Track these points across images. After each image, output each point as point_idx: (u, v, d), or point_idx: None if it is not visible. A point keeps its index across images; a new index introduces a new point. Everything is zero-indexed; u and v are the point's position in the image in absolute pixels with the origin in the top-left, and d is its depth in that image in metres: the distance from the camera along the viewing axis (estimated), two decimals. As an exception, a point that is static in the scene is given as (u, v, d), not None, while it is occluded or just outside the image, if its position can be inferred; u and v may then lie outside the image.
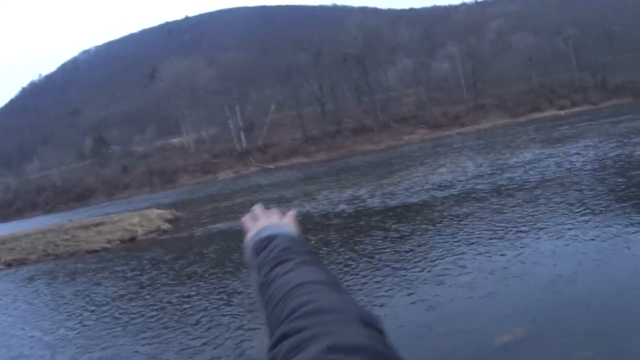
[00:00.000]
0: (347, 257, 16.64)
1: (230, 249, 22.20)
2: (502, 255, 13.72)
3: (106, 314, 15.54)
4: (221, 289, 15.73)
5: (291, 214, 1.84)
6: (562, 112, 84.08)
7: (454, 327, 9.68)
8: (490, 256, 13.78)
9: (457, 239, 15.98)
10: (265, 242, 1.54)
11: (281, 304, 1.20)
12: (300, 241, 1.55)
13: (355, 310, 1.08)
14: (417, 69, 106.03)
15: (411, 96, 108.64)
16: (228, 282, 16.51)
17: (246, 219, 1.82)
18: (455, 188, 26.59)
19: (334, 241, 19.66)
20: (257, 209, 1.86)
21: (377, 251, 16.61)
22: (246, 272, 12.53)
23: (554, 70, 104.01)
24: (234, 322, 12.43)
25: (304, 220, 25.39)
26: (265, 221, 1.72)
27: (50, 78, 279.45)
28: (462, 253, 14.38)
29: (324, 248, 18.44)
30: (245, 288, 14.99)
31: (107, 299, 17.42)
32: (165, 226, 34.20)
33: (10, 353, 13.48)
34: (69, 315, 16.46)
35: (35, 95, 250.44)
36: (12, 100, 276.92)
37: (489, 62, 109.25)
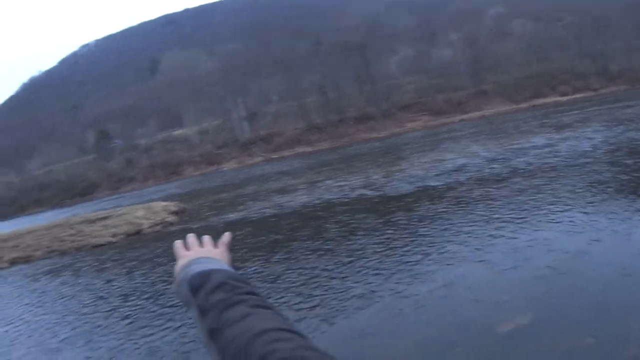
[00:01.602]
0: (368, 239, 16.54)
1: (236, 240, 21.42)
2: (512, 238, 13.57)
3: (114, 307, 15.41)
4: None
5: (224, 241, 1.87)
6: (564, 98, 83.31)
7: (457, 315, 9.59)
8: (501, 240, 13.64)
9: (470, 222, 15.92)
10: (202, 279, 1.51)
11: (242, 353, 1.19)
12: (240, 278, 1.53)
13: (319, 356, 1.09)
14: (417, 57, 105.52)
15: (413, 84, 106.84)
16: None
17: (179, 246, 1.81)
18: (469, 172, 26.43)
19: (358, 225, 19.43)
20: (191, 237, 1.87)
21: (394, 235, 16.53)
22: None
23: (554, 57, 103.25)
24: None
25: (319, 207, 25.80)
26: (196, 252, 1.72)
27: (50, 73, 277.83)
28: (474, 237, 14.31)
29: (356, 233, 18.04)
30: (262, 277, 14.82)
31: (114, 293, 17.40)
32: (171, 218, 33.85)
33: (19, 351, 13.23)
34: (76, 310, 16.32)
35: (36, 91, 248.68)
36: (12, 97, 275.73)
37: (489, 48, 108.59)
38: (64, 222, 41.53)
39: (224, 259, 1.70)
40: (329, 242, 17.54)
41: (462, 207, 18.46)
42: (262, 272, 15.57)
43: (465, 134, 52.02)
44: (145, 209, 38.18)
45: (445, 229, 15.72)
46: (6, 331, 15.29)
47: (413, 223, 17.58)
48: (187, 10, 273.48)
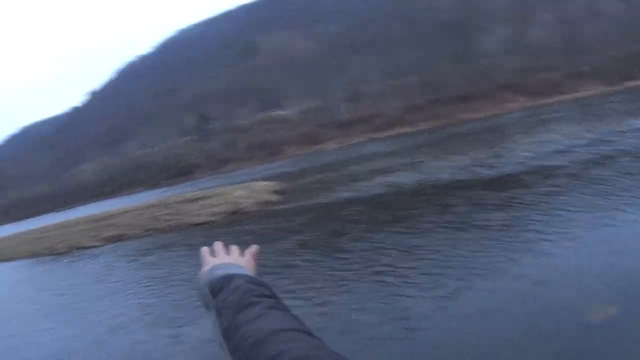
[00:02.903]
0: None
1: (338, 220, 21.67)
2: (624, 221, 12.90)
3: None
4: (339, 259, 15.06)
5: (251, 251, 1.83)
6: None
7: (547, 303, 9.14)
8: (615, 222, 12.95)
9: (585, 202, 15.40)
10: (223, 283, 1.54)
11: (254, 351, 1.21)
12: (260, 282, 1.55)
13: (330, 356, 1.11)
14: (512, 36, 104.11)
15: (508, 63, 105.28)
16: (343, 252, 15.69)
17: (205, 252, 1.78)
18: (576, 153, 25.31)
19: (477, 202, 18.98)
20: (217, 245, 1.83)
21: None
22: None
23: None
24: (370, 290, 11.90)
25: (433, 185, 25.18)
26: (220, 258, 1.72)
27: (146, 58, 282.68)
28: (589, 217, 13.80)
29: (477, 210, 17.60)
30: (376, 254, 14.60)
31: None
32: (271, 198, 33.75)
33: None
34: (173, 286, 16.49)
35: (131, 77, 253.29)
36: (107, 83, 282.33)
37: (581, 28, 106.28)
38: (161, 202, 42.63)
39: (248, 267, 1.70)
40: (451, 218, 17.09)
41: (574, 187, 17.88)
42: (395, 243, 15.26)
43: (565, 115, 50.57)
44: (245, 188, 38.46)
45: (560, 209, 15.12)
46: (135, 303, 15.59)
47: (529, 202, 17.02)
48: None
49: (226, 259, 1.67)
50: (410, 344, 8.82)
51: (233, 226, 26.56)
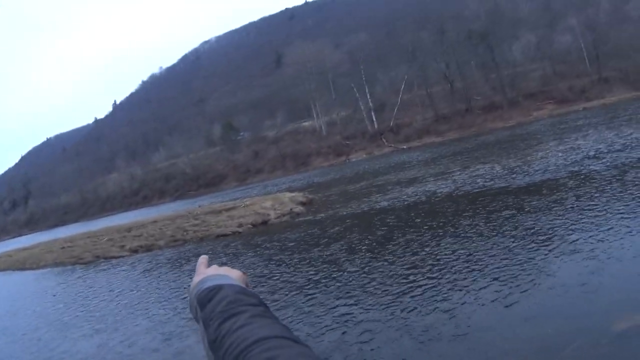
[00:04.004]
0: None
1: (366, 231, 21.36)
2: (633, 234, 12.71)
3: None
4: (365, 270, 14.89)
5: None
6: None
7: (571, 310, 9.20)
8: (623, 235, 12.73)
9: (622, 206, 15.23)
10: (211, 294, 1.49)
11: None
12: (249, 293, 1.50)
13: None
14: (540, 43, 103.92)
15: (537, 71, 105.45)
16: (371, 264, 15.49)
17: (202, 262, 1.75)
18: (610, 159, 24.73)
19: (521, 207, 18.69)
20: (206, 261, 1.78)
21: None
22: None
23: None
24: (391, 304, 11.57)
25: (468, 194, 24.66)
26: (212, 269, 1.67)
27: (171, 70, 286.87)
28: (603, 229, 13.51)
29: (521, 215, 17.41)
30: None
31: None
32: (299, 209, 33.60)
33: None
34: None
35: (157, 88, 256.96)
36: (132, 94, 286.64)
37: (607, 33, 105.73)
38: (188, 213, 42.88)
39: (239, 278, 1.63)
40: (493, 223, 17.07)
41: (610, 191, 17.74)
42: (436, 250, 15.31)
43: (593, 122, 49.95)
44: (272, 199, 38.49)
45: (598, 213, 15.04)
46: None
47: (569, 206, 17.01)
48: (307, 4, 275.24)
49: (218, 270, 1.64)
50: (461, 344, 8.83)
51: (262, 236, 26.44)
